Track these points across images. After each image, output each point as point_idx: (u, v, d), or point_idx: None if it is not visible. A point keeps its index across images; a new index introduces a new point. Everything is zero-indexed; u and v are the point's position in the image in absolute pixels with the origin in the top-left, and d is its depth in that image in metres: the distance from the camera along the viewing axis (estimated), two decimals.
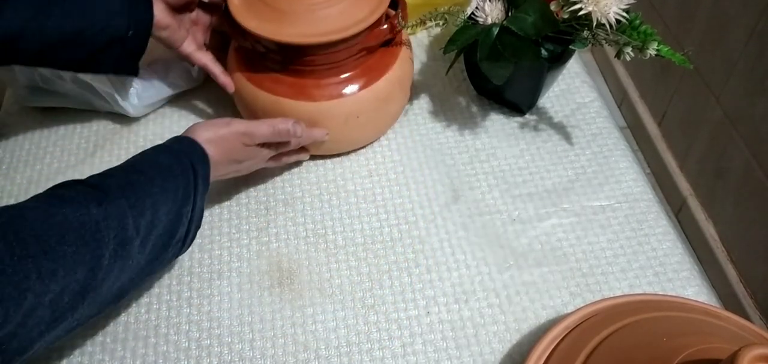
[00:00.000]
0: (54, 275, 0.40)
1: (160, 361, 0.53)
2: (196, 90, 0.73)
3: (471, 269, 0.58)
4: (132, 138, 0.70)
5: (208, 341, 0.54)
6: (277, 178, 0.66)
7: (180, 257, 0.59)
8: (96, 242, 0.43)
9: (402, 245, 0.60)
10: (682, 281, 0.57)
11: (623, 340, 0.44)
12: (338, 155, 0.67)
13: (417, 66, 0.76)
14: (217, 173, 0.55)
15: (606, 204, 0.63)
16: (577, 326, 0.49)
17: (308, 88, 0.61)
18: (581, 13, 0.56)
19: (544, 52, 0.63)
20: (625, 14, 0.56)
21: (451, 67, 0.67)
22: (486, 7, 0.61)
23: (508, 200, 0.64)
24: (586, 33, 0.59)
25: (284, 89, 0.61)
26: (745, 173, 1.21)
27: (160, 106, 0.72)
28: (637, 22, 0.57)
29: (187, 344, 0.54)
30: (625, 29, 0.57)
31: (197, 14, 0.64)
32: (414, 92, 0.73)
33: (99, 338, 0.54)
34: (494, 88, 0.69)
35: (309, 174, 0.66)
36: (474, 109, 0.72)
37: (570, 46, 0.62)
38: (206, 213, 0.63)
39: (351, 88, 0.62)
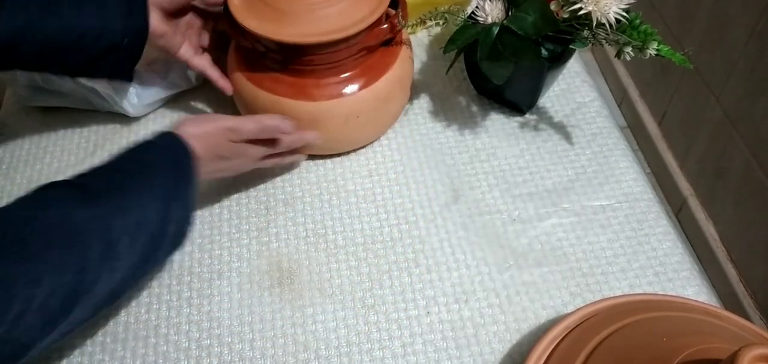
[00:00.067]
0: (40, 280, 0.40)
1: (160, 361, 0.53)
2: (196, 90, 0.73)
3: (471, 269, 0.58)
4: (132, 138, 0.70)
5: (208, 341, 0.54)
6: (277, 179, 0.66)
7: (180, 257, 0.59)
8: (81, 245, 0.42)
9: (402, 245, 0.60)
10: (682, 281, 0.57)
11: (623, 340, 0.44)
12: (338, 155, 0.67)
13: (417, 66, 0.76)
14: (204, 170, 0.54)
15: (606, 204, 0.63)
16: (577, 326, 0.49)
17: (308, 87, 0.61)
18: (581, 12, 0.56)
19: (544, 52, 0.63)
20: (625, 14, 0.56)
21: (451, 66, 0.67)
22: (486, 7, 0.60)
23: (508, 200, 0.64)
24: (586, 33, 0.59)
25: (284, 89, 0.61)
26: (745, 173, 1.21)
27: (160, 106, 0.72)
28: (637, 21, 0.57)
29: (187, 344, 0.54)
30: (625, 29, 0.57)
31: (191, 18, 0.64)
32: (414, 92, 0.73)
33: (99, 338, 0.54)
34: (494, 87, 0.69)
35: (309, 174, 0.66)
36: (474, 108, 0.72)
37: (570, 46, 0.62)
38: (206, 213, 0.63)
39: (351, 88, 0.61)
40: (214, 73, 0.65)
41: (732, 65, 1.22)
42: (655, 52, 0.56)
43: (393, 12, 0.62)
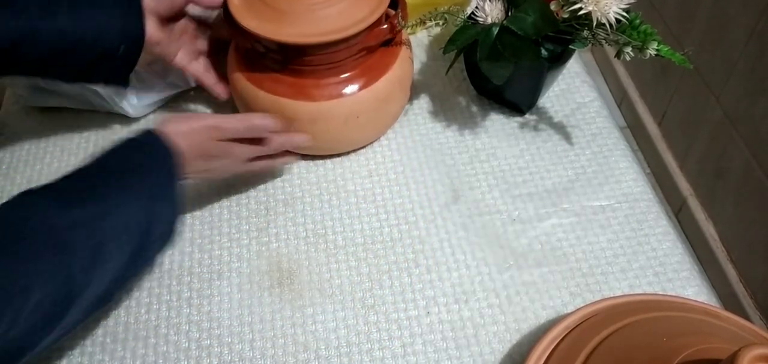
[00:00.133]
0: (29, 290, 0.39)
1: (160, 361, 0.53)
2: (196, 90, 0.73)
3: (471, 269, 0.58)
4: None
5: (208, 342, 0.54)
6: (277, 179, 0.66)
7: (180, 258, 0.59)
8: (68, 251, 0.42)
9: (402, 245, 0.60)
10: (682, 281, 0.57)
11: (623, 340, 0.44)
12: (338, 155, 0.67)
13: (417, 66, 0.76)
14: (190, 169, 0.53)
15: (606, 204, 0.63)
16: (577, 326, 0.49)
17: (308, 88, 0.61)
18: (581, 12, 0.56)
19: (544, 52, 0.63)
20: (625, 14, 0.56)
21: (451, 67, 0.67)
22: (486, 7, 0.60)
23: (508, 200, 0.64)
24: (586, 33, 0.59)
25: (284, 89, 0.61)
26: (745, 173, 1.21)
27: (160, 107, 0.72)
28: (637, 21, 0.57)
29: (187, 344, 0.54)
30: (625, 29, 0.57)
31: (186, 23, 0.63)
32: (414, 92, 0.73)
33: (99, 338, 0.55)
34: (494, 88, 0.69)
35: (309, 174, 0.66)
36: (474, 109, 0.72)
37: (570, 46, 0.62)
38: (206, 213, 0.63)
39: (351, 88, 0.61)
40: (209, 79, 0.65)
41: (732, 65, 1.22)
42: (655, 52, 0.56)
43: (393, 12, 0.62)
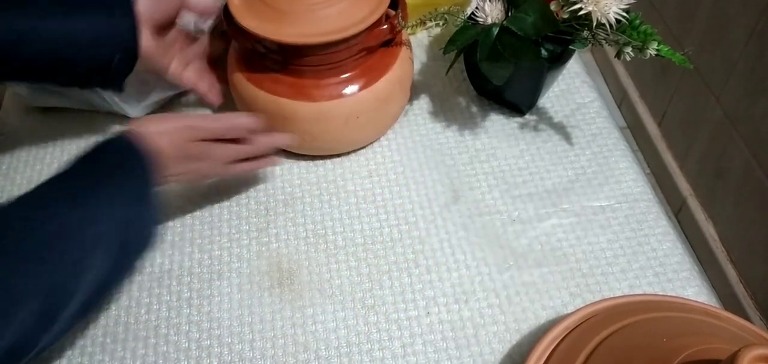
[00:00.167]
0: (13, 301, 0.39)
1: (160, 361, 0.53)
2: None
3: (471, 269, 0.58)
4: None
5: (208, 342, 0.54)
6: (277, 178, 0.66)
7: (180, 258, 0.59)
8: (46, 264, 0.41)
9: (402, 245, 0.60)
10: (682, 281, 0.57)
11: (623, 340, 0.44)
12: (338, 155, 0.67)
13: (417, 66, 0.76)
14: (171, 171, 0.51)
15: (606, 204, 0.63)
16: (577, 326, 0.49)
17: (308, 88, 0.61)
18: (581, 13, 0.56)
19: (544, 52, 0.63)
20: (625, 14, 0.56)
21: (451, 67, 0.67)
22: (486, 7, 0.61)
23: (508, 200, 0.64)
24: (586, 33, 0.59)
25: (284, 89, 0.61)
26: (745, 173, 1.21)
27: (160, 106, 0.72)
28: (637, 22, 0.57)
29: (187, 344, 0.54)
30: (625, 29, 0.57)
31: (177, 31, 0.61)
32: (414, 92, 0.73)
33: (99, 338, 0.54)
34: (494, 88, 0.69)
35: (309, 174, 0.66)
36: (474, 109, 0.72)
37: (570, 46, 0.62)
38: (206, 213, 0.63)
39: (351, 89, 0.61)
40: (202, 87, 0.64)
41: (732, 65, 1.22)
42: (655, 53, 0.56)
43: (393, 13, 0.62)
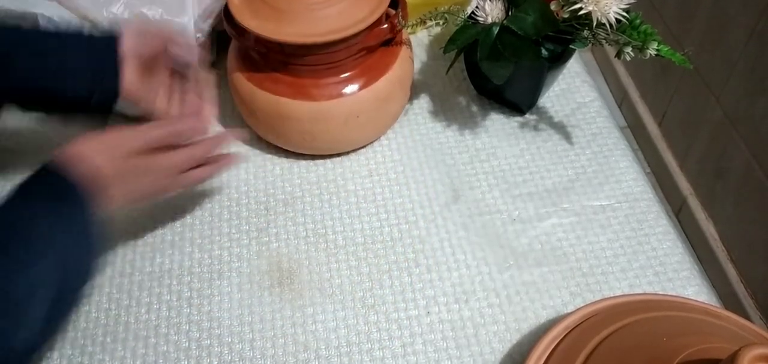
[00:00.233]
0: None
1: (161, 361, 0.53)
2: None
3: (471, 268, 0.58)
4: None
5: (208, 341, 0.54)
6: (277, 178, 0.66)
7: (180, 258, 0.59)
8: None
9: (402, 244, 0.60)
10: (682, 280, 0.57)
11: (623, 340, 0.44)
12: (338, 155, 0.67)
13: (417, 66, 0.76)
14: (113, 192, 0.47)
15: (606, 204, 0.63)
16: (577, 326, 0.49)
17: (308, 87, 0.61)
18: (581, 12, 0.56)
19: (544, 52, 0.63)
20: (625, 14, 0.56)
21: (451, 66, 0.67)
22: (486, 7, 0.61)
23: (508, 200, 0.64)
24: (586, 33, 0.59)
25: (284, 89, 0.61)
26: (745, 173, 1.21)
27: None
28: (637, 21, 0.57)
29: (187, 344, 0.54)
30: (625, 29, 0.57)
31: (164, 69, 0.57)
32: (414, 92, 0.73)
33: (99, 338, 0.54)
34: (494, 87, 0.69)
35: (309, 174, 0.66)
36: (474, 109, 0.72)
37: (570, 46, 0.62)
38: (206, 213, 0.63)
39: (351, 88, 0.62)
40: (190, 119, 0.57)
41: (732, 65, 1.22)
42: (655, 52, 0.56)
43: (393, 12, 0.62)
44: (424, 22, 0.63)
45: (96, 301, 0.57)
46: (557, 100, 0.73)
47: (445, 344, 0.54)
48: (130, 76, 0.53)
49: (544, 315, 0.55)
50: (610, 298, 0.51)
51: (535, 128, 0.70)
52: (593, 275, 0.58)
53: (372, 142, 0.69)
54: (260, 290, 0.57)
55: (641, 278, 0.58)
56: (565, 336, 0.48)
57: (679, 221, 1.43)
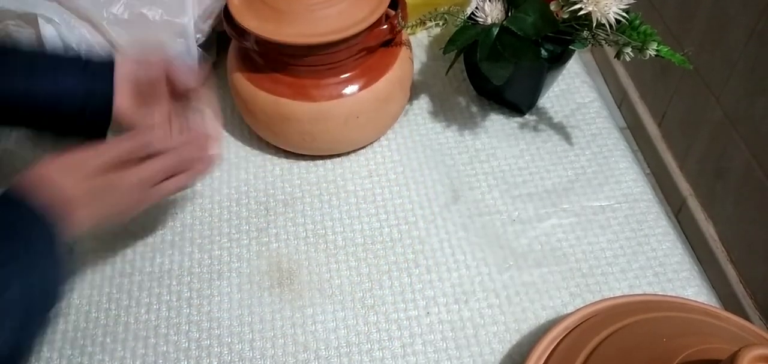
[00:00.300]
0: None
1: (160, 361, 0.53)
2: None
3: (471, 269, 0.58)
4: None
5: (208, 342, 0.54)
6: (277, 179, 0.66)
7: (180, 258, 0.59)
8: None
9: (402, 245, 0.60)
10: (682, 281, 0.57)
11: (623, 340, 0.44)
12: (338, 155, 0.67)
13: (417, 66, 0.76)
14: (80, 215, 0.45)
15: (606, 204, 0.63)
16: (577, 326, 0.49)
17: (308, 88, 0.61)
18: (581, 13, 0.56)
19: (544, 53, 0.63)
20: (625, 14, 0.56)
21: (451, 67, 0.67)
22: (486, 7, 0.61)
23: (508, 200, 0.64)
24: (586, 33, 0.59)
25: (284, 89, 0.61)
26: (745, 173, 1.21)
27: None
28: (637, 22, 0.57)
29: (186, 344, 0.54)
30: (625, 29, 0.57)
31: (161, 93, 0.54)
32: (414, 92, 0.73)
33: (99, 338, 0.55)
34: (494, 88, 0.69)
35: (309, 174, 0.66)
36: (474, 109, 0.72)
37: (570, 47, 0.62)
38: (206, 213, 0.63)
39: (351, 89, 0.62)
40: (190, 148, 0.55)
41: (732, 65, 1.22)
42: (655, 53, 0.56)
43: (393, 13, 0.62)
44: (424, 23, 0.63)
45: (96, 301, 0.57)
46: (557, 100, 0.73)
47: (444, 345, 0.54)
48: (124, 100, 0.51)
49: (544, 316, 0.55)
50: (610, 298, 0.51)
51: (535, 129, 0.70)
52: (593, 276, 0.58)
53: (372, 143, 0.69)
54: (260, 291, 0.57)
55: (641, 279, 0.58)
56: (564, 337, 0.48)
57: (679, 222, 1.43)
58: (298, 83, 0.61)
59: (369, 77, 0.62)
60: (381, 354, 0.53)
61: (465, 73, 0.74)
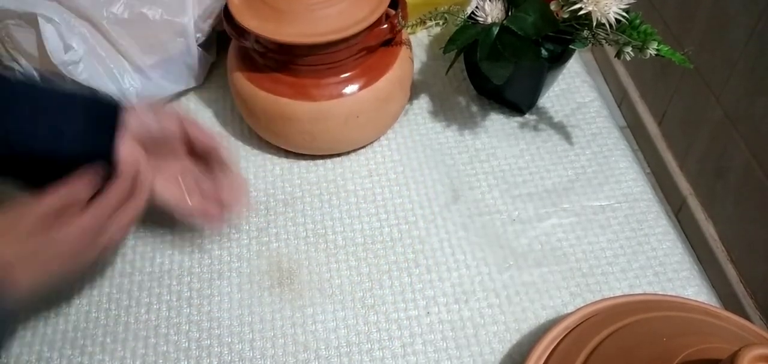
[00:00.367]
0: None
1: (160, 361, 0.53)
2: (196, 89, 0.73)
3: (471, 269, 0.58)
4: None
5: (208, 342, 0.54)
6: (277, 178, 0.66)
7: (180, 258, 0.59)
8: None
9: (402, 245, 0.60)
10: (682, 281, 0.57)
11: (623, 340, 0.44)
12: (338, 155, 0.67)
13: (417, 66, 0.76)
14: (23, 279, 0.41)
15: (606, 204, 0.63)
16: (577, 326, 0.49)
17: (308, 88, 0.61)
18: (581, 12, 0.56)
19: (544, 52, 0.63)
20: (625, 14, 0.56)
21: (451, 67, 0.67)
22: (486, 7, 0.61)
23: (508, 200, 0.64)
24: (586, 33, 0.59)
25: (284, 89, 0.61)
26: (745, 173, 1.21)
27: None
28: (637, 21, 0.57)
29: (187, 344, 0.54)
30: (625, 29, 0.57)
31: (170, 149, 0.52)
32: (414, 92, 0.73)
33: (99, 338, 0.54)
34: (494, 88, 0.69)
35: (309, 174, 0.66)
36: (474, 109, 0.72)
37: (570, 46, 0.62)
38: None
39: (351, 88, 0.62)
40: (193, 209, 0.55)
41: (732, 65, 1.22)
42: (655, 52, 0.56)
43: (393, 12, 0.62)
44: (424, 23, 0.63)
45: (96, 301, 0.57)
46: (557, 100, 0.73)
47: (444, 345, 0.54)
48: (129, 150, 0.47)
49: (544, 315, 0.55)
50: (610, 298, 0.51)
51: (535, 128, 0.70)
52: (593, 276, 0.58)
53: (372, 143, 0.69)
54: (260, 290, 0.57)
55: (641, 279, 0.58)
56: (564, 336, 0.48)
57: (679, 221, 1.43)
58: (298, 83, 0.61)
59: (369, 77, 0.62)
60: (381, 354, 0.53)
61: (465, 73, 0.74)
